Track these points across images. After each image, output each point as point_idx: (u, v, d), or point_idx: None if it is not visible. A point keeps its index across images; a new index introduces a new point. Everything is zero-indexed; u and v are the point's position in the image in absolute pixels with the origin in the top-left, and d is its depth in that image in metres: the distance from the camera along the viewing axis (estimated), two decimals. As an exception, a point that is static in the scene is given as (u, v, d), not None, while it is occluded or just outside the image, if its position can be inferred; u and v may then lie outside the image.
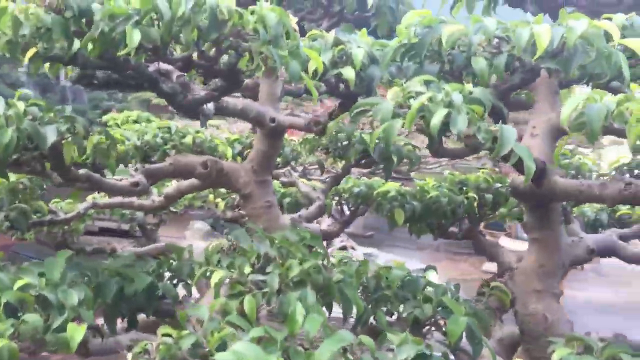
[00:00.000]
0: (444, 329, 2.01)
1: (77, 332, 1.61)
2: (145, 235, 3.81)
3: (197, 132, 3.45)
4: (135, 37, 1.46)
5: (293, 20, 1.65)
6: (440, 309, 2.03)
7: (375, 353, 1.53)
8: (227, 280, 1.83)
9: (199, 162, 2.62)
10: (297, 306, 1.62)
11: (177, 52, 1.85)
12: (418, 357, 1.52)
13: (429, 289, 2.13)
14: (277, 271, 1.72)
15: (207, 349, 1.50)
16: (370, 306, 2.03)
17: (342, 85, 2.00)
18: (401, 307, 2.07)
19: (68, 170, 2.16)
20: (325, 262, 1.85)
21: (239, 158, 3.71)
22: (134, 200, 2.98)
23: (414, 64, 1.87)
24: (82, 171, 2.24)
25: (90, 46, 1.72)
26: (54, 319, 1.66)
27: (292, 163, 4.18)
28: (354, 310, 1.86)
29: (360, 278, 1.89)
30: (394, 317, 2.13)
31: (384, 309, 2.09)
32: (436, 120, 1.49)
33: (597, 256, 2.63)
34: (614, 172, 3.30)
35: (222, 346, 1.54)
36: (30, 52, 1.82)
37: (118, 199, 2.98)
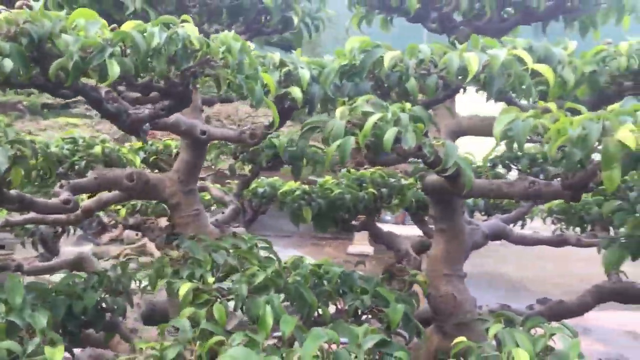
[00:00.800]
0: (379, 316, 2.26)
1: (55, 355, 1.65)
2: (46, 248, 3.69)
3: (103, 141, 3.42)
4: (115, 69, 1.52)
5: (251, 47, 1.79)
6: (374, 299, 2.28)
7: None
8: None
9: (125, 175, 2.65)
10: (266, 309, 1.78)
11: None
12: (380, 344, 1.74)
13: (361, 281, 2.36)
14: (243, 279, 1.86)
15: (191, 358, 1.61)
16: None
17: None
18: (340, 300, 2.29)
19: (1, 192, 2.13)
20: (280, 266, 2.02)
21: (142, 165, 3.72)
22: (47, 216, 2.92)
23: (348, 82, 2.08)
24: (13, 192, 2.21)
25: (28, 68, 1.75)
26: (27, 344, 1.67)
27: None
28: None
29: (311, 279, 2.07)
30: (332, 309, 2.35)
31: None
32: (388, 137, 1.71)
33: (490, 240, 3.02)
34: (488, 164, 3.76)
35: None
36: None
37: (31, 215, 2.91)
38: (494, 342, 1.85)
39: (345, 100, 1.99)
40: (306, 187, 3.86)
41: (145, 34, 1.60)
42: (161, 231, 4.38)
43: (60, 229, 3.78)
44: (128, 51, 1.64)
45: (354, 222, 3.96)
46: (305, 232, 12.93)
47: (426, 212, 4.03)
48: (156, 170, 3.77)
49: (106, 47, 1.57)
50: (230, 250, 2.07)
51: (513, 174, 3.73)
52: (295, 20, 2.43)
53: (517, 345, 1.72)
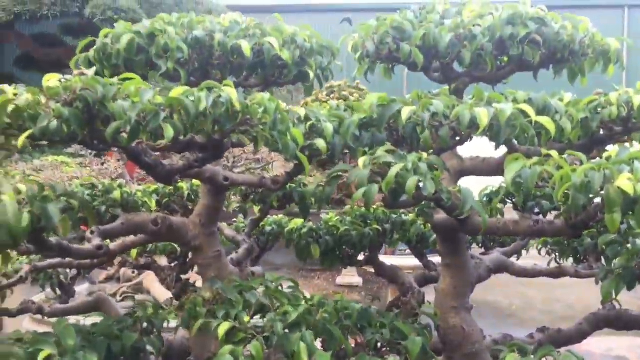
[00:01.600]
0: (398, 349, 2.42)
1: (112, 393, 1.79)
2: (63, 291, 3.81)
3: (120, 186, 3.57)
4: (170, 132, 1.70)
5: (283, 105, 1.98)
6: (392, 333, 2.44)
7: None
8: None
9: (150, 219, 2.80)
10: (300, 345, 1.94)
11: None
12: (408, 374, 1.90)
13: (378, 316, 2.53)
14: (278, 317, 2.02)
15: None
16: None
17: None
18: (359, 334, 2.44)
19: (44, 241, 2.28)
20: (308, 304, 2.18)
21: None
22: (73, 260, 3.05)
23: (366, 133, 2.28)
24: (53, 240, 2.36)
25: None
26: (83, 384, 1.82)
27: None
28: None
29: (338, 315, 2.23)
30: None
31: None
32: (411, 185, 1.90)
33: (493, 273, 3.21)
34: (485, 198, 3.97)
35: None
36: (26, 134, 1.98)
37: (57, 260, 3.04)
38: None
39: (366, 150, 2.18)
40: (311, 224, 4.04)
41: (193, 99, 1.79)
42: (170, 271, 4.53)
43: (76, 272, 3.91)
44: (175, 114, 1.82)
45: (359, 258, 4.13)
46: (294, 265, 13.06)
47: (426, 245, 4.21)
48: (166, 211, 3.93)
49: (159, 112, 1.75)
50: (260, 290, 2.23)
51: (507, 207, 3.94)
52: (311, 74, 2.63)
53: (533, 372, 1.90)
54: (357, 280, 10.86)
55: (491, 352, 2.55)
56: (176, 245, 4.45)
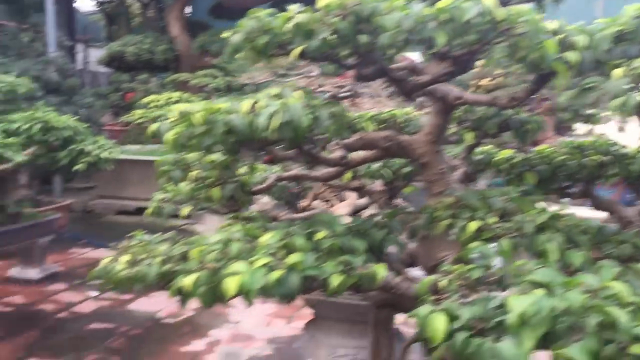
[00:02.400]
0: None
1: (380, 270, 2.06)
2: (289, 204, 4.26)
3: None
4: (442, 39, 1.86)
5: (540, 17, 2.04)
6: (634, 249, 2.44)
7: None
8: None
9: (382, 137, 3.04)
10: (550, 245, 2.05)
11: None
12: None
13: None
14: (525, 219, 2.14)
15: (495, 277, 1.91)
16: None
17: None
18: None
19: (302, 148, 2.60)
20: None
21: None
22: (310, 172, 3.41)
23: (618, 46, 2.26)
24: (307, 148, 2.67)
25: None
26: (352, 262, 2.10)
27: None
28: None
29: (580, 226, 2.30)
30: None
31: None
32: (676, 94, 1.89)
33: None
34: None
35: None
36: (298, 50, 2.25)
37: (296, 170, 3.42)
38: None
39: (617, 63, 2.17)
40: (523, 154, 4.04)
41: (459, 9, 1.93)
42: (380, 194, 4.83)
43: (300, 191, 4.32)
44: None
45: (573, 190, 4.07)
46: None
47: (646, 182, 4.02)
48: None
49: (428, 21, 1.91)
50: (502, 197, 2.36)
51: None
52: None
53: None
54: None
55: None
56: (384, 172, 4.70)
